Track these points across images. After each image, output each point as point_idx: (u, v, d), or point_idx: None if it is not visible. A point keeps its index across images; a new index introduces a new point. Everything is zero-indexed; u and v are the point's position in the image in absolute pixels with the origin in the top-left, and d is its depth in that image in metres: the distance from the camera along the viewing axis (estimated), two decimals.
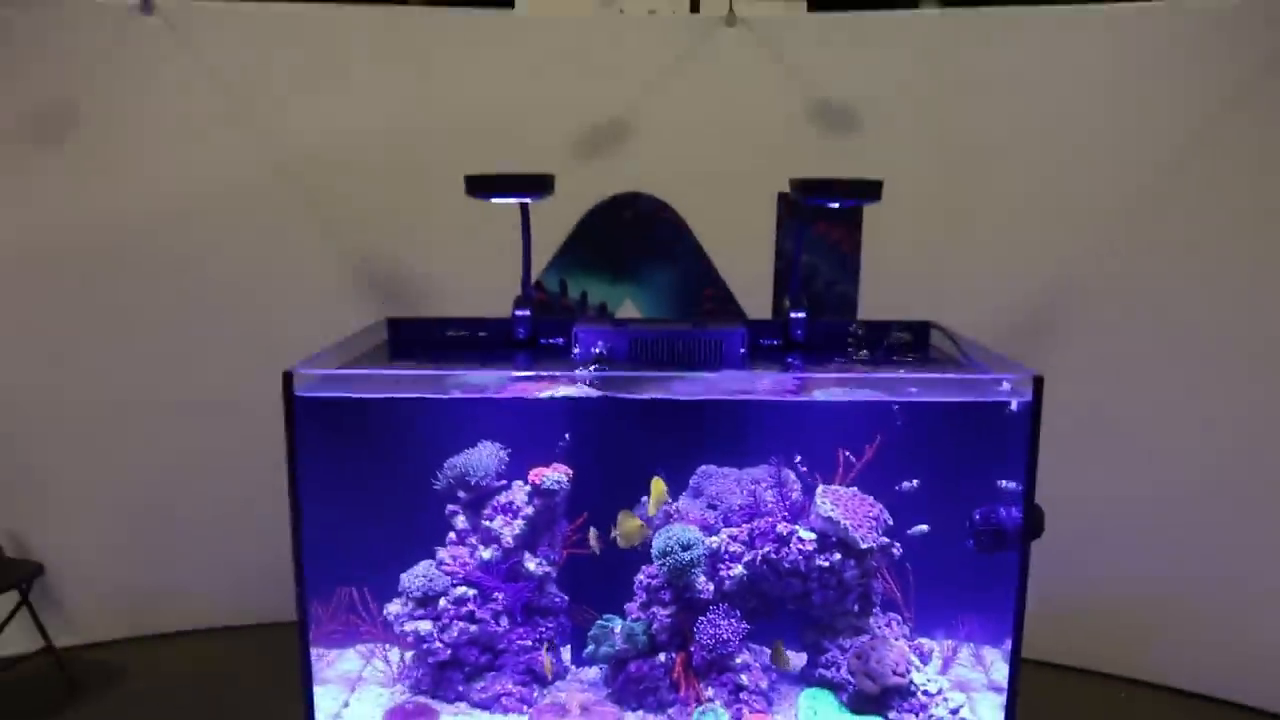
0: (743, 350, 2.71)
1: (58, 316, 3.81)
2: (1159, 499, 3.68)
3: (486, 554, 2.62)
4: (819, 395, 2.57)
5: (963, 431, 2.55)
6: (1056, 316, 3.72)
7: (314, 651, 2.50)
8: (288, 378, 2.29)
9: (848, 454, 2.57)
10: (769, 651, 2.69)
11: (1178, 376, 3.61)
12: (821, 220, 3.96)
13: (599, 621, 2.62)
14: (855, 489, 2.58)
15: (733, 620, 2.52)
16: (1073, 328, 3.71)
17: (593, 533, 2.57)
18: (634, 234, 4.03)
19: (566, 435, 2.66)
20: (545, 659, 2.53)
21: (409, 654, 2.64)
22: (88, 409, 3.90)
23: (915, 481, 2.60)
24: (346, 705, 2.58)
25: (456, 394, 2.50)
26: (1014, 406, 2.35)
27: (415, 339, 2.86)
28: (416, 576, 2.59)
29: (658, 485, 2.56)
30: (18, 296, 3.77)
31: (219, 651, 4.12)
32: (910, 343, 2.85)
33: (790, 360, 2.74)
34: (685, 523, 2.60)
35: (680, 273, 4.04)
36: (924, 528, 2.56)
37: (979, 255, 3.75)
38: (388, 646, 2.68)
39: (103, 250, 3.79)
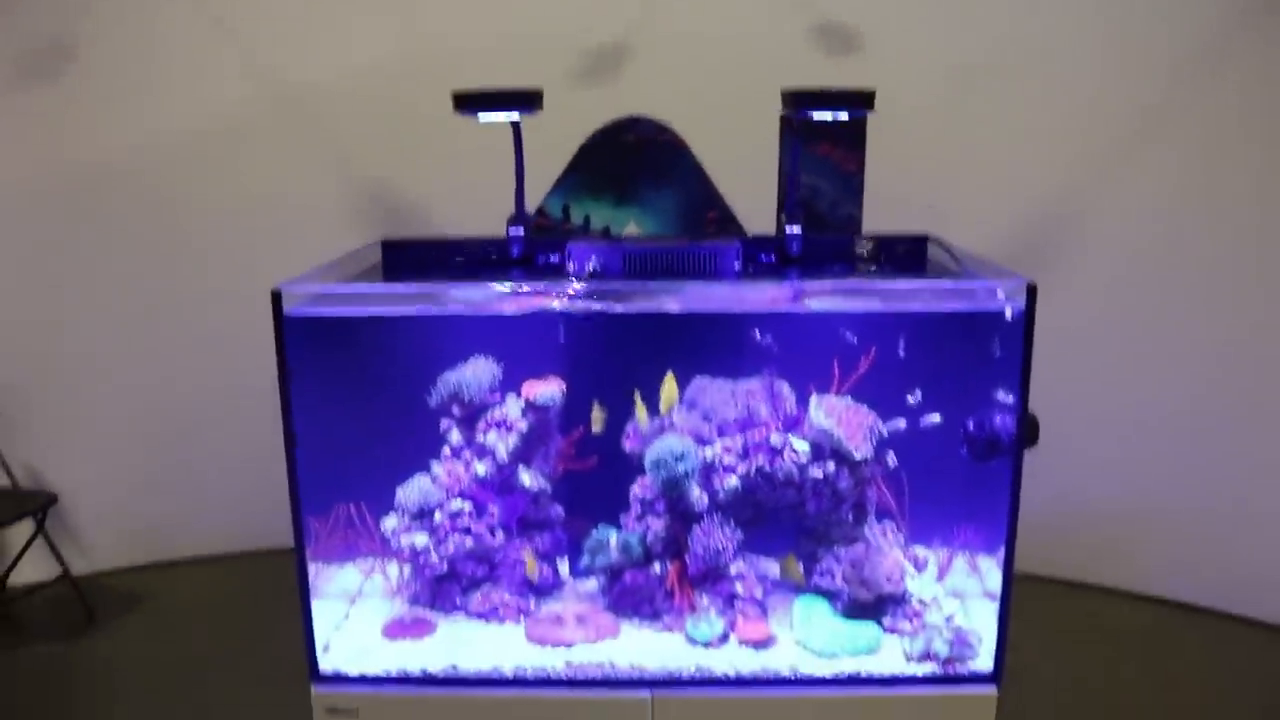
0: (737, 265, 2.70)
1: (66, 250, 3.84)
2: (1154, 415, 3.69)
3: (481, 469, 2.60)
4: (813, 305, 2.55)
5: (958, 341, 2.55)
6: (1059, 233, 3.70)
7: (314, 567, 2.53)
8: (276, 296, 2.28)
9: (841, 361, 2.56)
10: (765, 561, 2.70)
11: (1176, 293, 3.60)
12: (824, 141, 3.91)
13: (594, 533, 2.62)
14: (849, 399, 2.56)
15: (726, 530, 2.53)
16: (1075, 244, 3.69)
17: (596, 411, 2.56)
18: (635, 158, 3.98)
19: (561, 337, 2.64)
20: (529, 561, 2.54)
21: (407, 568, 2.66)
22: (96, 340, 3.93)
23: (937, 416, 2.57)
24: (346, 618, 2.62)
25: (448, 309, 2.51)
26: (1009, 315, 2.32)
27: (409, 260, 2.85)
28: (412, 491, 2.59)
29: (669, 384, 2.56)
30: (23, 231, 3.79)
31: (231, 577, 4.18)
32: (908, 255, 2.84)
33: (785, 273, 2.73)
34: (679, 434, 2.58)
35: (683, 195, 4.00)
36: (936, 417, 2.54)
37: (984, 174, 3.73)
38: (387, 561, 2.71)
39: (105, 184, 3.82)
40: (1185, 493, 3.81)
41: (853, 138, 3.96)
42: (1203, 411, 3.72)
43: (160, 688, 3.56)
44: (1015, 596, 2.31)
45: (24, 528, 3.90)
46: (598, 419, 2.60)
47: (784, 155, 3.87)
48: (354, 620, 2.62)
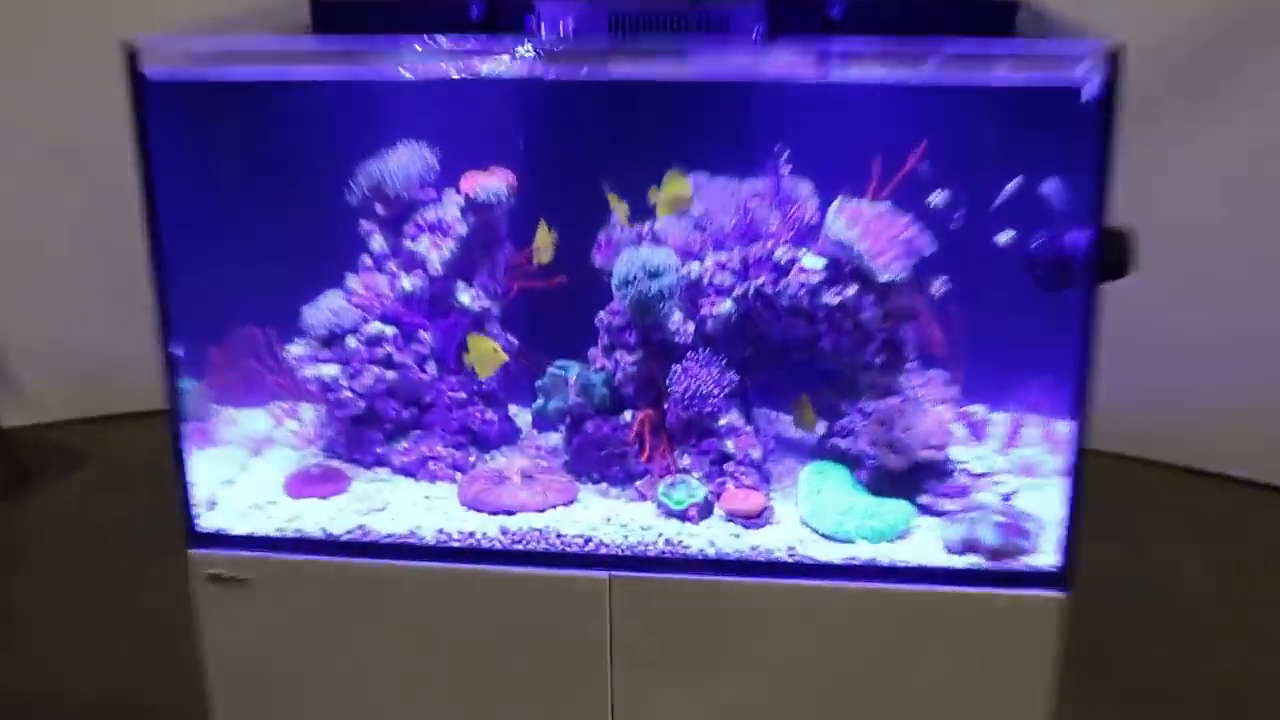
0: (758, 31, 2.30)
1: None
2: None
3: (408, 284, 2.37)
4: (838, 75, 2.19)
5: (1023, 128, 2.20)
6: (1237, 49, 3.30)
7: (213, 408, 2.45)
8: (129, 52, 1.95)
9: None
10: (775, 416, 2.47)
11: None
12: None
13: (550, 369, 2.39)
14: (885, 206, 2.22)
15: (714, 370, 2.23)
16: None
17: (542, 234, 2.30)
18: None
19: (520, 136, 2.40)
20: (479, 351, 2.30)
21: (322, 409, 2.46)
22: (33, 172, 3.85)
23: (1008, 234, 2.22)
24: (243, 469, 2.42)
25: (366, 74, 2.25)
26: (1084, 93, 1.93)
27: (341, 19, 2.48)
28: (320, 311, 2.36)
29: (676, 183, 2.25)
30: None
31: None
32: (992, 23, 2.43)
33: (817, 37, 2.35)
34: (662, 246, 2.30)
35: None
36: (1010, 234, 2.19)
37: None
38: (300, 403, 2.53)
39: None
40: None
41: None
42: None
43: (96, 547, 3.56)
44: (1123, 483, 2.00)
45: None
46: (543, 244, 2.32)
47: None
48: (257, 473, 2.42)
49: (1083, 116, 1.90)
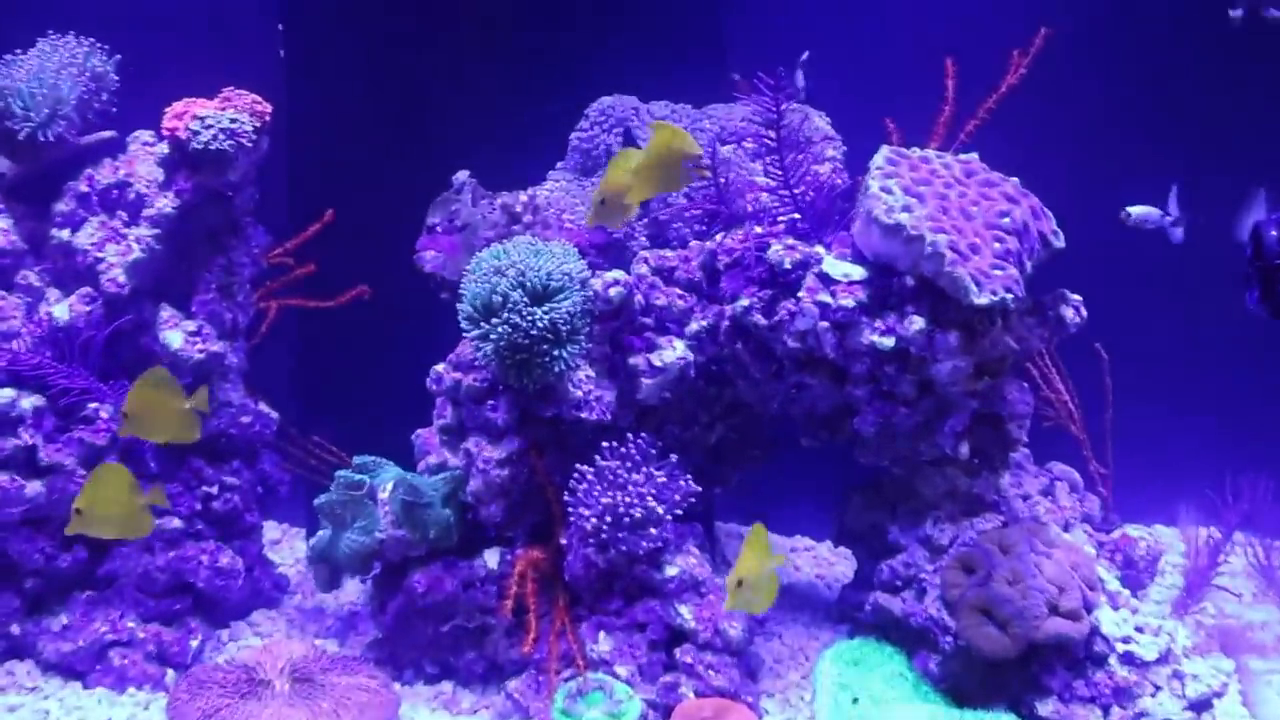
0: None
1: None
2: None
3: (63, 310, 2.04)
4: None
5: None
6: None
7: None
8: None
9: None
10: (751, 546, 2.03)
11: None
12: None
13: (342, 475, 1.95)
14: (974, 159, 1.85)
15: (655, 471, 1.82)
16: None
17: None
18: None
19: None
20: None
21: None
22: None
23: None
24: None
25: None
26: None
27: None
28: None
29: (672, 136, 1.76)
30: None
31: None
32: None
33: None
34: (548, 234, 1.93)
35: None
36: (1164, 214, 1.92)
37: None
38: None
39: None
40: None
41: None
42: None
43: None
44: None
45: None
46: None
47: None
48: None
49: None
